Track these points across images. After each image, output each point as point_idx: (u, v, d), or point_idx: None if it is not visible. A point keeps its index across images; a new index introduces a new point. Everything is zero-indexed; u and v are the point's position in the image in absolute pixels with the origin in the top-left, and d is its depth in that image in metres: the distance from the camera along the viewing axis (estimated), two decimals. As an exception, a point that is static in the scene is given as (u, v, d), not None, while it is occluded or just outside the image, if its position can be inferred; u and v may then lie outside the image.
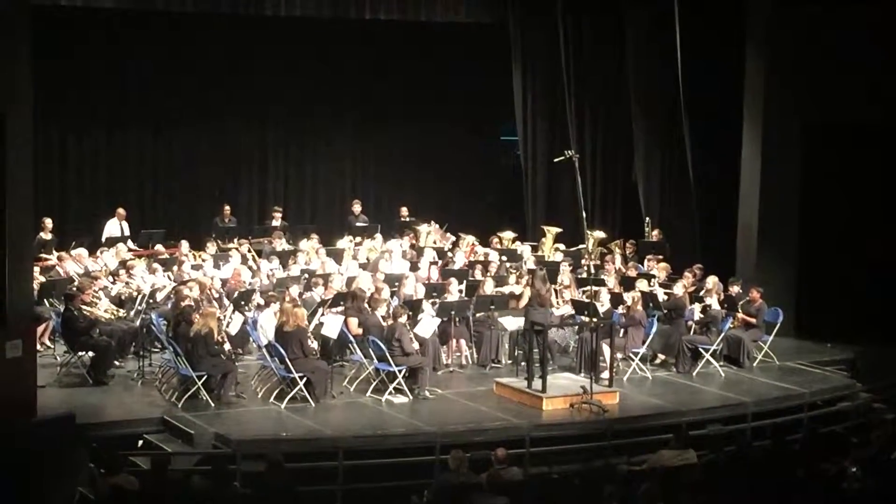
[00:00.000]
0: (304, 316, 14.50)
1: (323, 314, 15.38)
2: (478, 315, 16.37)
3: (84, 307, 15.06)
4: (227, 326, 15.00)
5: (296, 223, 21.71)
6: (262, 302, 15.77)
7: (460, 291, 16.88)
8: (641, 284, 16.87)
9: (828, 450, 11.63)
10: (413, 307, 15.67)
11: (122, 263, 17.38)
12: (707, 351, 16.15)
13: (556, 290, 16.99)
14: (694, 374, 16.03)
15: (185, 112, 21.97)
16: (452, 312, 15.97)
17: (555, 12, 21.64)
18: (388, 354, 14.52)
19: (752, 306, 16.66)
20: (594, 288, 15.96)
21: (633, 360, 15.91)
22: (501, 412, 14.11)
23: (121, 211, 20.14)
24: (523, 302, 15.43)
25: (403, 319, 14.83)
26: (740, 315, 16.61)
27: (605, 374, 15.07)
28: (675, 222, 20.80)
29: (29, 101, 12.55)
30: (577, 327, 16.16)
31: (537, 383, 14.53)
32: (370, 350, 14.83)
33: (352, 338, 15.13)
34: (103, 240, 19.53)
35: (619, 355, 15.67)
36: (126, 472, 10.67)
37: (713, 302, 16.55)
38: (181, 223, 21.52)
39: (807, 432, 13.71)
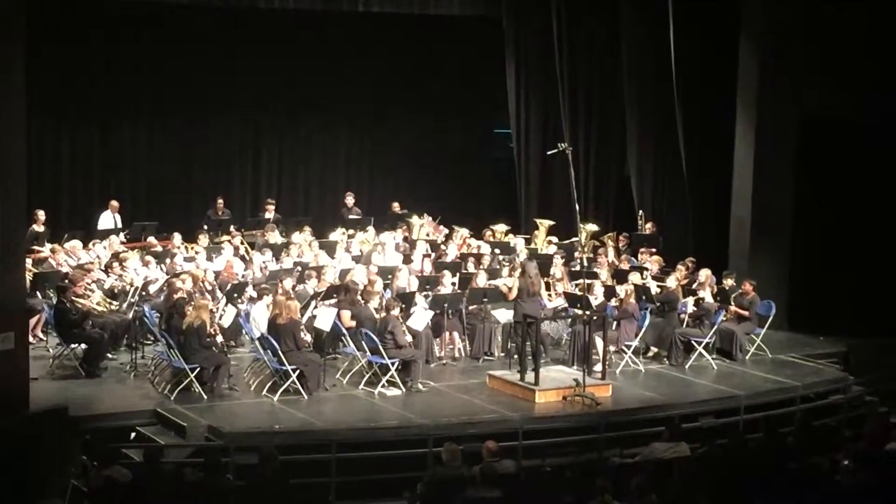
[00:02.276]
0: (297, 308, 14.48)
1: (316, 307, 15.37)
2: (471, 308, 16.36)
3: (77, 299, 15.04)
4: (220, 319, 14.96)
5: (289, 216, 21.70)
6: (254, 294, 15.72)
7: (453, 284, 16.87)
8: (634, 277, 16.87)
9: (820, 443, 11.65)
10: (406, 300, 15.64)
11: (115, 256, 17.35)
12: (700, 344, 16.16)
13: (548, 283, 16.99)
14: (686, 366, 16.04)
15: (178, 104, 21.95)
16: (445, 305, 15.97)
17: (549, 6, 21.63)
18: (380, 347, 14.51)
19: (744, 299, 16.67)
20: (587, 281, 15.95)
21: (625, 353, 15.91)
22: (494, 405, 14.10)
23: (114, 203, 20.12)
24: (513, 294, 15.40)
25: (396, 312, 14.82)
26: (733, 308, 16.61)
27: (598, 367, 15.09)
28: (668, 215, 20.82)
29: (22, 93, 12.51)
30: (569, 320, 16.16)
31: (530, 376, 14.54)
32: (363, 343, 14.82)
33: (345, 330, 15.11)
34: (96, 232, 19.50)
35: (611, 348, 15.68)
36: (118, 465, 10.64)
37: (706, 295, 16.54)
38: (174, 215, 21.50)
39: (799, 425, 13.73)
